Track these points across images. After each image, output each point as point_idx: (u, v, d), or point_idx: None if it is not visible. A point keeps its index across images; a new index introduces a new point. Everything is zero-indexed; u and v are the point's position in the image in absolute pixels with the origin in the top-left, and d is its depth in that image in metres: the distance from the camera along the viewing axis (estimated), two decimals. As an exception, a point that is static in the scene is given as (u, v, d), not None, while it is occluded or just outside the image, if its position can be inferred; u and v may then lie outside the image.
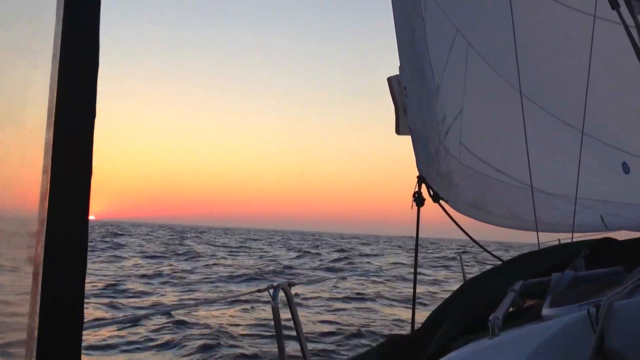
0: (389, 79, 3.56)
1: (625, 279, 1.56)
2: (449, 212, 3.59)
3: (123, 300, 13.41)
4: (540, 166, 3.99)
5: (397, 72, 3.59)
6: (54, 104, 0.84)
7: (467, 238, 3.73)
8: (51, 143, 0.84)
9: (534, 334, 1.43)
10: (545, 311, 1.57)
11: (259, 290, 2.91)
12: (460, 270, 4.27)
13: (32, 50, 0.92)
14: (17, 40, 0.93)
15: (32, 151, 0.88)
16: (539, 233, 3.72)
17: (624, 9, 2.88)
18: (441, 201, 3.58)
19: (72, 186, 0.84)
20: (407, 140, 3.57)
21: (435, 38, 3.89)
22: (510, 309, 1.91)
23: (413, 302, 3.45)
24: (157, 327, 12.14)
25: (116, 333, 11.53)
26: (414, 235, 3.43)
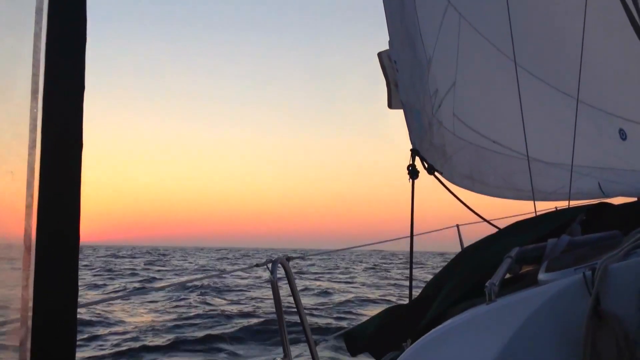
0: (379, 54, 3.57)
1: (621, 242, 1.57)
2: (444, 183, 3.60)
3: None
4: (536, 135, 3.99)
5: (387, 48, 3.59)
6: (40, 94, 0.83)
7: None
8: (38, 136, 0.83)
9: (529, 298, 1.44)
10: (541, 276, 1.57)
11: (257, 265, 2.93)
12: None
13: (16, 27, 0.91)
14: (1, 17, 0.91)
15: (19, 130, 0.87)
16: (536, 202, 3.73)
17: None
18: (436, 173, 3.59)
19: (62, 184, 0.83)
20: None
21: (425, 11, 3.87)
22: (507, 275, 1.92)
23: (410, 273, 3.48)
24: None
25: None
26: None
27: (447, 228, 4.31)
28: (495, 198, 4.04)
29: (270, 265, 2.72)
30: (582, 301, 1.34)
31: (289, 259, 2.90)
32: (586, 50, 3.90)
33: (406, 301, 3.65)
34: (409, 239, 3.51)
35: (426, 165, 3.54)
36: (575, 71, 3.94)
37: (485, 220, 3.77)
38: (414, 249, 3.46)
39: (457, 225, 4.31)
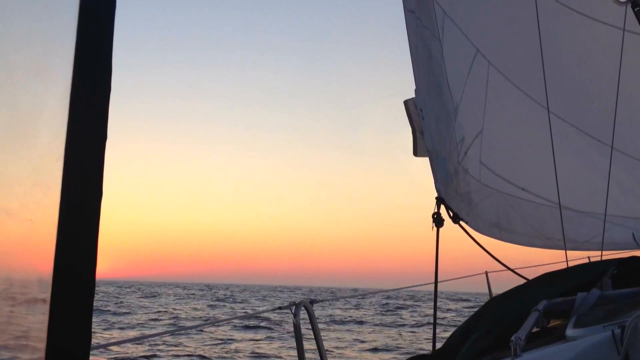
0: (406, 102, 3.61)
1: None
2: (469, 233, 3.58)
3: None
4: (567, 183, 3.93)
5: (413, 95, 3.63)
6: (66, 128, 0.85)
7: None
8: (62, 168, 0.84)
9: (556, 355, 1.40)
10: (570, 332, 1.52)
11: (280, 308, 2.92)
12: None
13: (47, 72, 0.94)
14: (33, 62, 0.95)
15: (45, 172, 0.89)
16: (567, 252, 3.66)
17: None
18: (461, 222, 3.57)
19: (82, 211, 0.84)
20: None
21: (453, 59, 3.91)
22: (535, 329, 1.88)
23: (434, 321, 3.44)
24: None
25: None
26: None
27: (475, 275, 4.26)
28: (524, 246, 3.98)
29: (293, 308, 2.71)
30: (611, 359, 1.30)
31: (312, 302, 2.88)
32: (621, 96, 3.86)
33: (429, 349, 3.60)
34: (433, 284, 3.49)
35: (451, 214, 3.53)
36: (609, 118, 3.89)
37: (511, 270, 3.70)
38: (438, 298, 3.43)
39: (486, 272, 4.24)
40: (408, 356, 2.63)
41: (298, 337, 2.72)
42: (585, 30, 4.28)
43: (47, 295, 0.84)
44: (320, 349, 2.93)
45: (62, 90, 0.88)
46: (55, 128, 0.87)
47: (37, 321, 0.86)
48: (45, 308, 0.84)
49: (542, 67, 3.81)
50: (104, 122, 0.89)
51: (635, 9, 3.02)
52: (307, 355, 2.84)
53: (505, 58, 4.18)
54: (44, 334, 0.83)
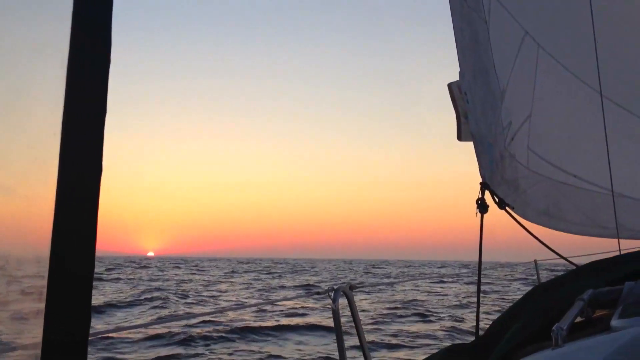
0: (450, 85, 3.52)
1: None
2: (516, 218, 3.46)
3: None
4: (622, 169, 3.76)
5: (457, 78, 3.54)
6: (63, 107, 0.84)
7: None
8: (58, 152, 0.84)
9: (599, 346, 1.34)
10: (614, 322, 1.47)
11: (317, 293, 2.89)
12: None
13: (44, 52, 0.92)
14: (30, 41, 0.93)
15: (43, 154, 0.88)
16: (620, 241, 3.51)
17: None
18: (507, 208, 3.46)
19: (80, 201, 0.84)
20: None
21: (500, 42, 3.79)
22: (579, 319, 1.82)
23: (477, 310, 3.35)
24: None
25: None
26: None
27: (524, 263, 4.12)
28: (576, 235, 3.83)
29: (332, 293, 2.67)
30: None
31: (352, 287, 2.82)
32: None
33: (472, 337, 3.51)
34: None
35: (497, 200, 3.42)
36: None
37: (562, 257, 3.56)
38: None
39: (535, 261, 4.11)
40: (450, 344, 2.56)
41: (337, 324, 2.68)
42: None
43: (45, 271, 0.84)
44: (361, 337, 2.87)
45: (59, 64, 0.87)
46: (53, 102, 0.86)
47: (34, 299, 0.86)
48: (43, 284, 0.83)
49: (595, 48, 3.65)
50: (103, 96, 0.88)
51: None
52: (346, 343, 2.80)
53: (555, 40, 4.03)
54: (41, 314, 0.83)
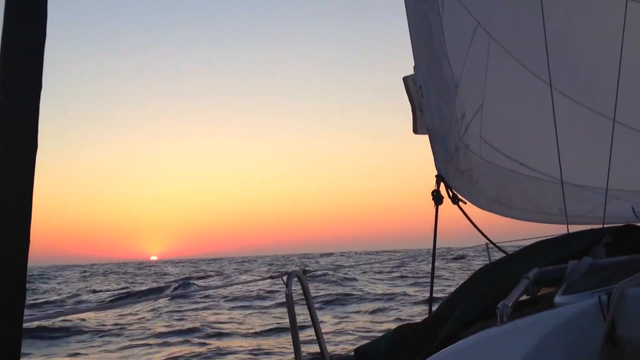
0: (405, 79, 3.58)
1: None
2: (467, 214, 3.58)
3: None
4: (567, 157, 3.93)
5: (412, 72, 3.60)
6: None
7: None
8: None
9: (542, 321, 1.40)
10: (557, 299, 1.53)
11: (271, 277, 2.85)
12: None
13: None
14: None
15: None
16: (567, 226, 3.68)
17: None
18: (460, 203, 3.57)
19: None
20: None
21: (453, 33, 3.86)
22: (525, 297, 1.87)
23: (430, 292, 3.47)
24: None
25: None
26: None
27: (476, 247, 4.28)
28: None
29: (285, 278, 2.68)
30: (598, 326, 1.30)
31: (305, 272, 2.85)
32: (623, 68, 3.81)
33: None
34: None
35: (450, 194, 3.53)
36: (611, 91, 3.86)
37: (502, 251, 3.70)
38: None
39: (487, 244, 4.26)
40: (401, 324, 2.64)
41: (290, 308, 2.65)
42: (588, 0, 4.22)
43: None
44: (314, 321, 2.89)
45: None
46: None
47: None
48: None
49: (545, 40, 3.75)
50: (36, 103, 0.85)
51: None
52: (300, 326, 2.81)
53: (506, 31, 4.13)
54: None
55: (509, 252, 3.63)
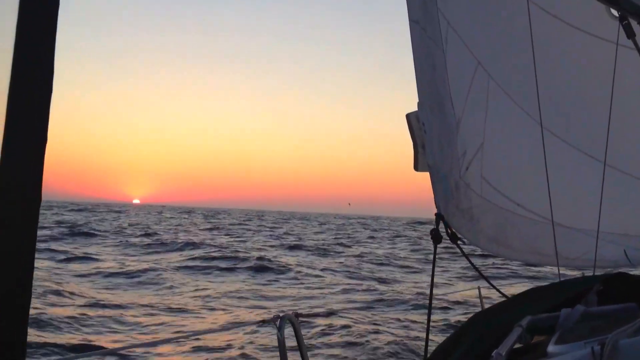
0: (408, 116, 3.57)
1: (636, 316, 1.52)
2: (465, 254, 3.55)
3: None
4: (560, 199, 3.95)
5: (416, 108, 3.58)
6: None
7: None
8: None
9: None
10: (551, 348, 1.55)
11: (263, 321, 2.85)
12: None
13: None
14: None
15: None
16: (560, 268, 3.68)
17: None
18: (459, 242, 3.54)
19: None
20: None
21: (455, 72, 3.88)
22: (517, 345, 1.87)
23: (427, 331, 3.42)
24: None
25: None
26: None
27: (468, 290, 4.24)
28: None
29: (278, 322, 2.64)
30: None
31: (297, 315, 2.83)
32: (615, 112, 3.87)
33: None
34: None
35: (449, 232, 3.50)
36: (603, 135, 3.91)
37: (500, 292, 3.68)
38: None
39: (479, 287, 4.25)
40: None
41: (283, 353, 2.67)
42: (580, 44, 4.30)
43: None
44: None
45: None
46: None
47: None
48: None
49: (536, 81, 3.79)
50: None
51: (624, 23, 3.01)
52: None
53: (503, 71, 4.17)
54: None
55: (502, 292, 3.60)
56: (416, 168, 3.57)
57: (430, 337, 3.50)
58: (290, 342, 2.84)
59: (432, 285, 3.48)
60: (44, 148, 0.84)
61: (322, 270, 22.48)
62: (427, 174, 3.59)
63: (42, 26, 0.83)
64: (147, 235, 36.60)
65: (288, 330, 2.69)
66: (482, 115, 3.94)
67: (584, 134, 4.32)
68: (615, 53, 3.89)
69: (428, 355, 2.91)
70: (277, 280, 19.20)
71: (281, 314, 2.68)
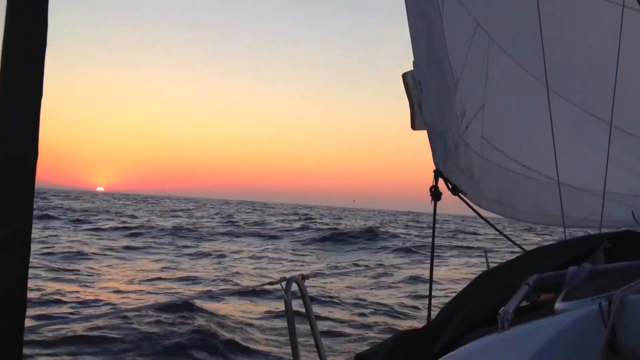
0: (404, 75, 3.55)
1: None
2: (469, 204, 3.53)
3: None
4: (567, 160, 3.89)
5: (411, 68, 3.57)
6: None
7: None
8: None
9: (542, 328, 1.38)
10: (558, 305, 1.51)
11: (270, 283, 2.83)
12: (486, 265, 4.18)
13: None
14: None
15: None
16: (566, 229, 3.63)
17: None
18: (460, 194, 3.52)
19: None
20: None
21: (453, 33, 3.84)
22: (525, 304, 1.85)
23: (429, 295, 3.40)
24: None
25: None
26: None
27: (475, 254, 4.20)
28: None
29: (284, 283, 2.64)
30: (598, 333, 1.27)
31: (304, 277, 2.81)
32: (621, 74, 3.81)
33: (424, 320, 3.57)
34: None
35: (450, 186, 3.48)
36: (609, 96, 3.84)
37: (511, 240, 3.65)
38: None
39: (485, 250, 4.21)
40: (401, 329, 2.58)
41: (289, 315, 2.63)
42: (585, 5, 4.23)
43: None
44: (313, 328, 2.86)
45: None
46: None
47: None
48: None
49: (542, 43, 3.75)
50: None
51: None
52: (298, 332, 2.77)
53: (505, 33, 4.12)
54: None
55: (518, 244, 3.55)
56: (413, 127, 3.54)
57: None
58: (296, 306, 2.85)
59: (433, 248, 3.47)
60: (36, 143, 0.84)
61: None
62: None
63: (33, 20, 0.84)
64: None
65: (294, 292, 2.69)
66: (483, 77, 3.90)
67: (590, 95, 4.25)
68: (621, 15, 3.84)
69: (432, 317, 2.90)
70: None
71: (287, 276, 2.70)
